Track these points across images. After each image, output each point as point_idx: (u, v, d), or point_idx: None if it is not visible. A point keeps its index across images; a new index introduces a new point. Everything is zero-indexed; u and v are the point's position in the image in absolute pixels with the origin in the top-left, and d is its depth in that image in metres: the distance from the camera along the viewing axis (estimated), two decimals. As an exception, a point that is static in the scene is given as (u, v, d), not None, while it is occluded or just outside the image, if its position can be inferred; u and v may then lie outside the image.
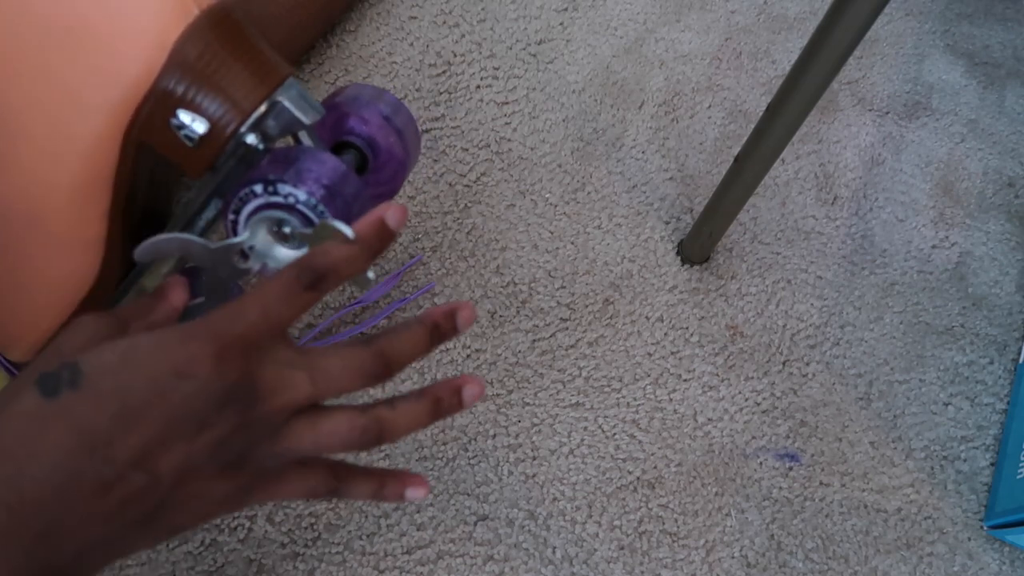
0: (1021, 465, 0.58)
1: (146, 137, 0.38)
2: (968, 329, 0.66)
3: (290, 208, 0.36)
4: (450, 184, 0.68)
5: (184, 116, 0.37)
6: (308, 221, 0.36)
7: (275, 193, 0.35)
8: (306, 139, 0.39)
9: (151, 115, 0.37)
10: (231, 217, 0.37)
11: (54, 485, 0.27)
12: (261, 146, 0.38)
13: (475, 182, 0.69)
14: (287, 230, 0.36)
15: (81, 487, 0.27)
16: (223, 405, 0.29)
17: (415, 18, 0.75)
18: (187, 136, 0.37)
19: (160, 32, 0.36)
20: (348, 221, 0.36)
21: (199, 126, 0.37)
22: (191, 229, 0.42)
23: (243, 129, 0.37)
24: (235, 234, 0.37)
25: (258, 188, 0.35)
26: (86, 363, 0.28)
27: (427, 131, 0.70)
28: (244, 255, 0.37)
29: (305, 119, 0.38)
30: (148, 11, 0.36)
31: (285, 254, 0.37)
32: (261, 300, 0.30)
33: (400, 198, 0.67)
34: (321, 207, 0.35)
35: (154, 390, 0.28)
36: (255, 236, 0.36)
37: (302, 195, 0.35)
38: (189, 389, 0.28)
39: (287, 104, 0.38)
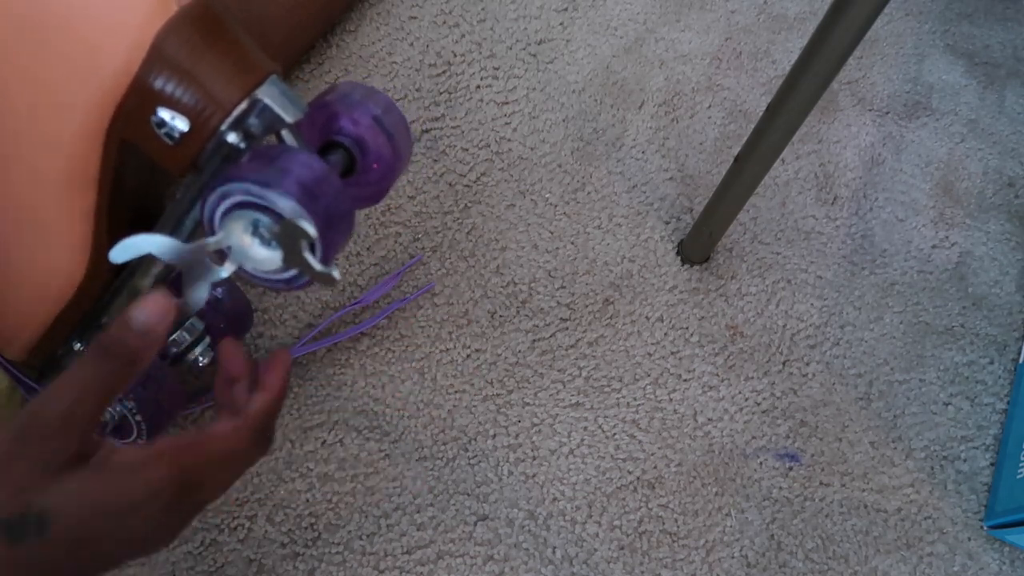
0: (1021, 465, 0.58)
1: (127, 135, 0.38)
2: (968, 329, 0.66)
3: (265, 208, 0.35)
4: (450, 184, 0.68)
5: (164, 113, 0.36)
6: (282, 220, 0.36)
7: (249, 192, 0.35)
8: (289, 138, 0.39)
9: (131, 112, 0.37)
10: (207, 216, 0.37)
11: None
12: (243, 145, 0.37)
13: (475, 182, 0.69)
14: (263, 230, 0.36)
15: None
16: (165, 517, 0.31)
17: (415, 18, 0.75)
18: (167, 134, 0.37)
19: (140, 28, 0.36)
20: (327, 223, 0.36)
21: (179, 123, 0.37)
22: (179, 230, 0.42)
23: (224, 127, 0.37)
24: (212, 234, 0.37)
25: (232, 186, 0.35)
26: (55, 513, 0.29)
27: (427, 131, 0.70)
28: (221, 256, 0.36)
29: (287, 117, 0.38)
30: (128, 7, 0.36)
31: (263, 255, 0.36)
32: (226, 446, 0.33)
33: (400, 198, 0.67)
34: (296, 207, 0.35)
35: (115, 526, 0.30)
36: (230, 236, 0.35)
37: (277, 195, 0.34)
38: (142, 521, 0.31)
39: (268, 102, 0.37)
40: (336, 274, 0.35)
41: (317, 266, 0.35)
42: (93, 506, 0.29)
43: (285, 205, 0.34)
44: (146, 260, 0.44)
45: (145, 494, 0.30)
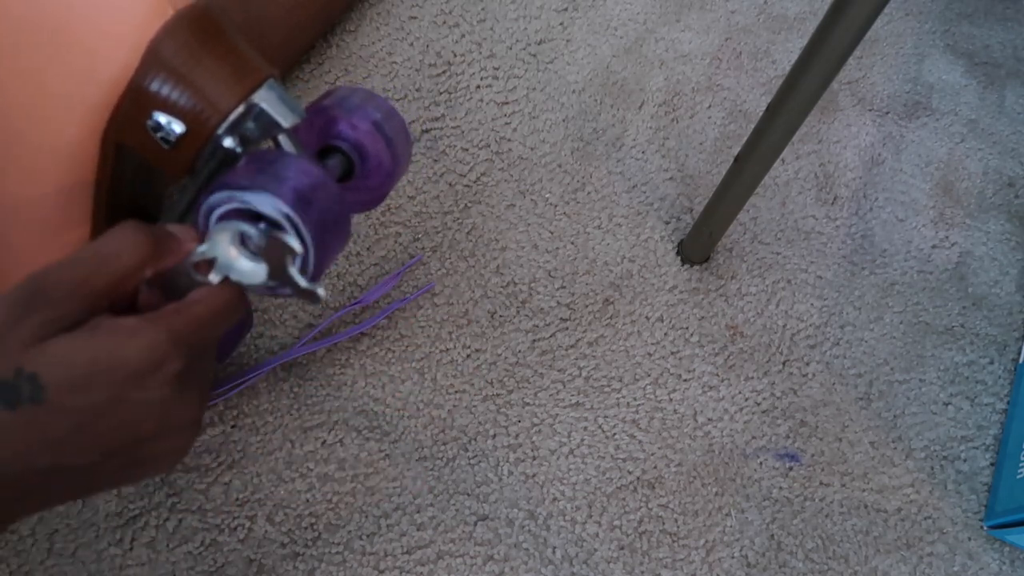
0: (1021, 465, 0.58)
1: (123, 138, 0.38)
2: (968, 329, 0.66)
3: (259, 215, 0.35)
4: (450, 184, 0.68)
5: (160, 117, 0.36)
6: (278, 228, 0.35)
7: (243, 198, 0.34)
8: (286, 143, 0.39)
9: (128, 115, 0.37)
10: (202, 223, 0.36)
11: (11, 486, 0.28)
12: (239, 149, 0.37)
13: (475, 182, 0.69)
14: (249, 243, 0.36)
15: (40, 485, 0.29)
16: (178, 392, 0.31)
17: (415, 18, 0.75)
18: (163, 138, 0.37)
19: (136, 31, 0.36)
20: (321, 229, 0.36)
21: (175, 127, 0.37)
22: None
23: (220, 131, 0.37)
24: (206, 240, 0.37)
25: (226, 194, 0.35)
26: (46, 375, 0.28)
27: (427, 131, 0.70)
28: (207, 266, 0.35)
29: (284, 122, 0.37)
30: (124, 11, 0.36)
31: (248, 267, 0.35)
32: (211, 306, 0.33)
33: (400, 198, 0.67)
34: (291, 214, 0.35)
35: (116, 397, 0.29)
36: (216, 247, 0.35)
37: (272, 201, 0.34)
38: (149, 395, 0.30)
39: (265, 107, 0.37)
40: (321, 292, 0.35)
41: (302, 282, 0.35)
42: (88, 369, 0.28)
43: (278, 211, 0.34)
44: None
45: (149, 362, 0.29)
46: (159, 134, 0.37)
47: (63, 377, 0.28)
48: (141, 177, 0.43)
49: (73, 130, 0.37)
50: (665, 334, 0.64)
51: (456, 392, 0.60)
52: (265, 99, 0.37)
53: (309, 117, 0.41)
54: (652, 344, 0.63)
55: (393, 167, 0.43)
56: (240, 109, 0.37)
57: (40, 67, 0.36)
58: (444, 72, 0.73)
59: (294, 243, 0.33)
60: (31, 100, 0.37)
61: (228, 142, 0.37)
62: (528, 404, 0.61)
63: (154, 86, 0.36)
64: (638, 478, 0.59)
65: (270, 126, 0.38)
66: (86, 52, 0.36)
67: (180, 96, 0.36)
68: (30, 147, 0.38)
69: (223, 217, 0.36)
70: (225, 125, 0.37)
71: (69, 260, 0.29)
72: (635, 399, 0.61)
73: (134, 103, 0.36)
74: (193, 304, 0.32)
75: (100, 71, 0.36)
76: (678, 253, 0.67)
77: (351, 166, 0.43)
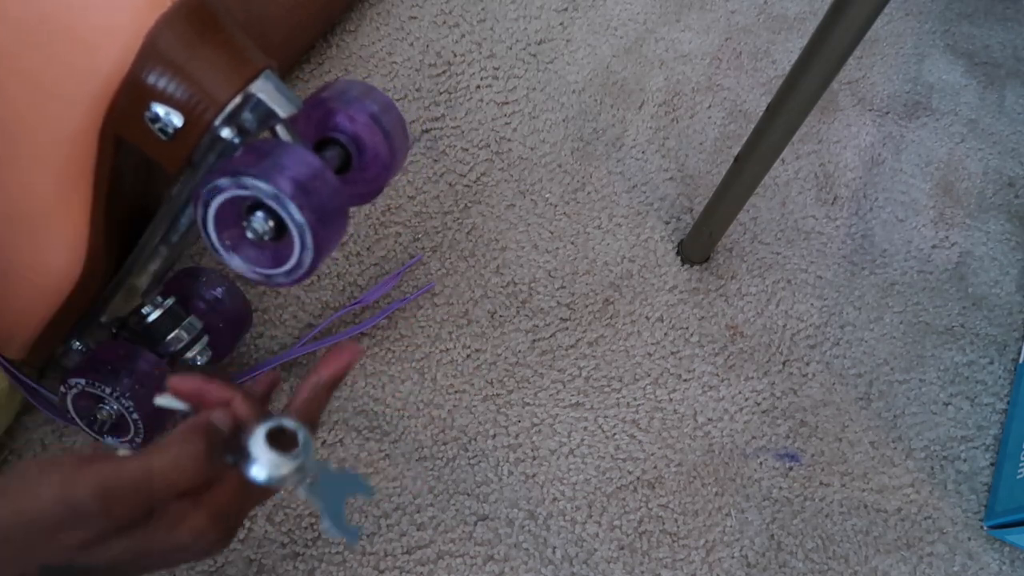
0: (1021, 465, 0.58)
1: (121, 131, 0.37)
2: (968, 329, 0.66)
3: (259, 203, 0.35)
4: (450, 184, 0.68)
5: (158, 109, 0.36)
6: (275, 216, 0.36)
7: (243, 187, 0.34)
8: (283, 133, 0.39)
9: (126, 108, 0.37)
10: (200, 211, 0.36)
11: None
12: (237, 140, 0.37)
13: (475, 182, 0.69)
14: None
15: None
16: (208, 548, 0.34)
17: (415, 18, 0.75)
18: (161, 129, 0.37)
19: (133, 24, 0.36)
20: (320, 219, 0.36)
21: (173, 119, 0.36)
22: (175, 227, 0.42)
23: (217, 122, 0.37)
24: (205, 229, 0.37)
25: (225, 181, 0.35)
26: (93, 566, 0.30)
27: (427, 131, 0.70)
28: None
29: (281, 112, 0.37)
30: (121, 3, 0.36)
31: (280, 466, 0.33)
32: (240, 478, 0.34)
33: (400, 198, 0.67)
34: (289, 202, 0.35)
35: (163, 560, 0.32)
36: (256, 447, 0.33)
37: (270, 189, 0.34)
38: (189, 557, 0.33)
39: (262, 96, 0.37)
40: (339, 532, 0.34)
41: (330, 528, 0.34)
42: (138, 554, 0.31)
43: (276, 198, 0.34)
44: (143, 258, 0.44)
45: (191, 540, 0.32)
46: (157, 126, 0.37)
47: (114, 561, 0.31)
48: (142, 174, 0.43)
49: (72, 126, 0.37)
50: (665, 334, 0.64)
51: (456, 392, 0.60)
52: (262, 89, 0.37)
53: (307, 109, 0.41)
54: (652, 344, 0.63)
55: (390, 160, 0.43)
56: (237, 100, 0.37)
57: (39, 67, 0.36)
58: (444, 72, 0.73)
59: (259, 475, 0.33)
60: (30, 97, 0.37)
61: (226, 133, 0.37)
62: (528, 404, 0.60)
63: (151, 78, 0.36)
64: (638, 478, 0.59)
65: (267, 116, 0.37)
66: (85, 48, 0.36)
67: (177, 88, 0.36)
68: (29, 143, 0.38)
69: (222, 207, 0.36)
70: (223, 116, 0.37)
71: (141, 468, 0.31)
72: (635, 399, 0.61)
73: (132, 95, 0.36)
74: (238, 479, 0.34)
75: (98, 66, 0.36)
76: (678, 253, 0.67)
77: (348, 158, 0.43)
